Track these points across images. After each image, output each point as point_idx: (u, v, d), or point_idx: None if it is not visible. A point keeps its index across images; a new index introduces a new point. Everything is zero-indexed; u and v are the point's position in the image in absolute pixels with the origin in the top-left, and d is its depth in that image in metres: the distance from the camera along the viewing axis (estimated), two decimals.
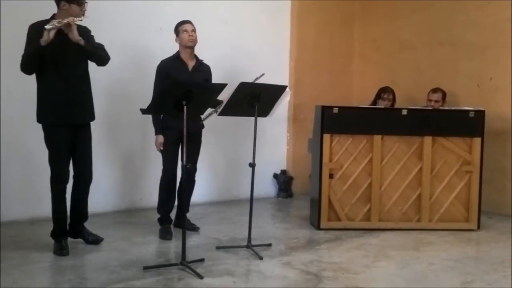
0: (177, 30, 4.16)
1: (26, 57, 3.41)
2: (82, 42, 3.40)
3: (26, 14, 4.34)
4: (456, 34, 5.67)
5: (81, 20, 3.44)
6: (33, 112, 4.46)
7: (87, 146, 3.66)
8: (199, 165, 4.35)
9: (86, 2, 3.46)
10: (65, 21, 3.31)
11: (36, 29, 3.40)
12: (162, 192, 4.26)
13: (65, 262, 3.47)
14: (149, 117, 4.05)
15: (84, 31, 3.53)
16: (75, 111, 3.53)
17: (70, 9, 3.40)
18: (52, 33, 3.29)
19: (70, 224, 3.74)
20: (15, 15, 4.29)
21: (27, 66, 3.42)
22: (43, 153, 4.49)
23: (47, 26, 3.26)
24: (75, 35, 3.36)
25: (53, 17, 3.46)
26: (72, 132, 3.57)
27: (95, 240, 3.80)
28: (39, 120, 3.58)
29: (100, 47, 3.59)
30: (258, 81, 4.21)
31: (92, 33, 3.64)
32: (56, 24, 3.28)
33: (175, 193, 4.30)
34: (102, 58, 3.57)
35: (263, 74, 4.33)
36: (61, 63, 3.44)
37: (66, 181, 3.61)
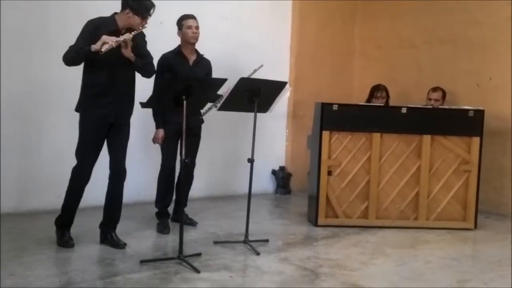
0: (180, 24, 4.15)
1: (72, 52, 3.40)
2: (133, 58, 3.43)
3: (27, 11, 4.36)
4: (457, 32, 5.67)
5: (139, 31, 3.44)
6: (32, 104, 4.49)
7: (122, 143, 3.61)
8: (198, 160, 4.35)
9: (150, 16, 3.48)
10: (122, 39, 3.34)
11: (93, 26, 3.41)
12: (160, 187, 4.26)
13: (63, 255, 3.47)
14: (148, 111, 4.04)
15: (140, 35, 3.54)
16: (113, 111, 3.50)
17: (132, 19, 3.44)
18: (105, 47, 3.29)
19: (100, 225, 3.71)
20: (16, 12, 4.29)
21: (69, 61, 3.43)
22: (42, 146, 4.51)
23: (103, 49, 3.26)
24: (128, 53, 3.40)
25: (114, 16, 3.48)
26: (107, 129, 3.55)
27: (117, 244, 3.64)
28: (76, 109, 3.57)
29: (148, 62, 3.60)
30: (257, 74, 4.20)
31: None
32: (113, 45, 3.30)
33: (173, 188, 4.30)
34: (148, 72, 3.62)
35: (261, 66, 4.31)
36: (112, 65, 3.43)
37: (86, 174, 3.55)
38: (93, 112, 3.51)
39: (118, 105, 3.53)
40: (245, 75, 4.00)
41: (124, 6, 3.47)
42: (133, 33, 3.40)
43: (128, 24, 3.47)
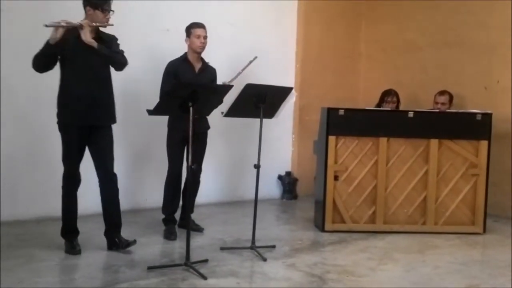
0: (189, 31, 4.17)
1: (38, 55, 3.44)
2: (94, 44, 3.41)
3: (27, 12, 4.39)
4: (463, 34, 5.65)
5: (104, 27, 3.48)
6: (37, 109, 4.51)
7: (106, 147, 3.63)
8: (204, 165, 4.35)
9: (111, 10, 3.51)
10: (77, 23, 3.35)
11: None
12: (167, 193, 4.27)
13: (71, 261, 3.48)
14: (154, 118, 4.04)
15: (109, 38, 3.58)
16: (91, 113, 3.52)
17: (95, 15, 3.47)
18: (59, 32, 3.31)
19: (105, 233, 3.73)
20: (16, 12, 4.31)
21: (36, 63, 3.45)
22: (49, 151, 4.52)
23: (47, 23, 3.29)
24: (87, 37, 3.39)
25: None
26: (89, 133, 3.57)
27: (127, 245, 3.65)
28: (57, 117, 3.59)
29: (117, 51, 3.58)
30: (264, 80, 4.18)
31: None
32: (63, 24, 3.31)
33: (180, 194, 4.31)
34: (117, 62, 3.56)
35: (256, 58, 4.32)
36: (83, 65, 3.46)
37: (75, 178, 3.61)
38: (72, 117, 3.51)
39: (95, 106, 3.53)
40: (251, 81, 3.98)
41: (84, 6, 3.50)
42: (94, 24, 3.41)
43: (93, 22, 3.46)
